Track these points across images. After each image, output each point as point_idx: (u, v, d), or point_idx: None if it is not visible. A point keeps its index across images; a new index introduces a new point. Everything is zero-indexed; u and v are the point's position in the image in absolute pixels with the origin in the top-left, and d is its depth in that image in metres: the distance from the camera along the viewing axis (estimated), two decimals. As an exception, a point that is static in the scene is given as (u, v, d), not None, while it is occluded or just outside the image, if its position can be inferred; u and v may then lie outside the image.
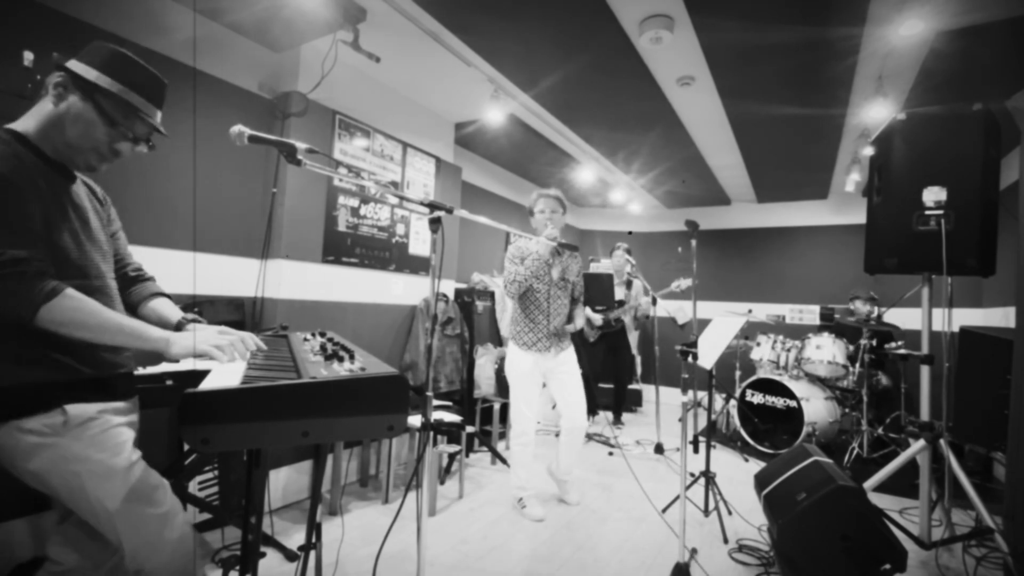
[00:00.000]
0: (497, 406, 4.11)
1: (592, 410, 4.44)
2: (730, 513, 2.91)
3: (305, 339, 1.64)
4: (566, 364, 2.92)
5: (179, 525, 1.17)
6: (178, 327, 1.33)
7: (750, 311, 4.27)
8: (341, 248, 3.22)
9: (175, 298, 2.51)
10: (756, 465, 3.88)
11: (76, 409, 1.11)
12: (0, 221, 1.02)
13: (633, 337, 6.18)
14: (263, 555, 1.68)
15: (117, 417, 1.17)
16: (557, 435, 4.61)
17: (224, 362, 1.20)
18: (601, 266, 5.12)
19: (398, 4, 2.57)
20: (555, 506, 3.07)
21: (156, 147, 1.31)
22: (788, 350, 4.67)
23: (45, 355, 1.09)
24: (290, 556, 2.29)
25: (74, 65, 1.16)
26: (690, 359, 2.25)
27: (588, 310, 3.01)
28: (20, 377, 1.07)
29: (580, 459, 3.03)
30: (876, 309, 4.63)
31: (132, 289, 1.41)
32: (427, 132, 3.95)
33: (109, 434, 1.14)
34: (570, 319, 3.00)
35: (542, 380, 2.91)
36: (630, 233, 6.68)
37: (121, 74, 1.19)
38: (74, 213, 1.20)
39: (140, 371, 1.88)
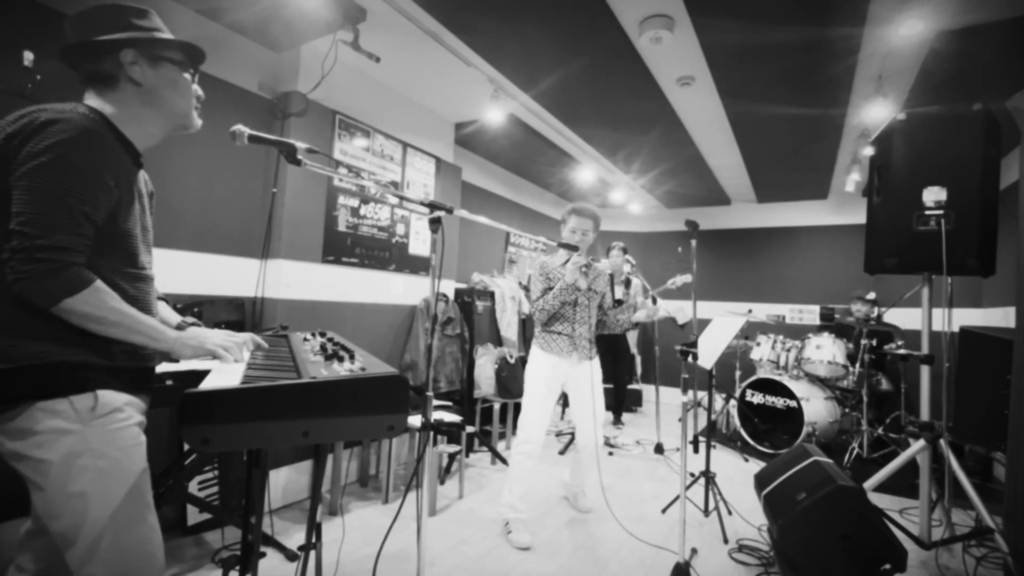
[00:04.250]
0: (497, 406, 4.11)
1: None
2: (730, 513, 2.91)
3: (305, 339, 1.64)
4: (588, 373, 2.74)
5: (158, 567, 1.12)
6: (177, 330, 1.33)
7: (750, 311, 4.27)
8: (341, 248, 3.22)
9: (175, 298, 2.51)
10: (756, 465, 3.88)
11: (107, 396, 1.07)
12: (64, 204, 1.01)
13: (632, 337, 6.18)
14: (263, 555, 1.68)
15: (138, 414, 1.15)
16: (558, 434, 4.64)
17: (229, 362, 1.20)
18: (601, 266, 5.12)
19: (398, 4, 2.57)
20: (555, 505, 3.08)
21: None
22: (788, 350, 4.67)
23: (79, 338, 1.06)
24: (290, 556, 2.29)
25: (130, 38, 1.15)
26: (690, 359, 2.26)
27: (642, 314, 2.88)
28: (61, 357, 1.04)
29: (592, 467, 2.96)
30: (876, 309, 4.63)
31: None
32: (427, 132, 3.95)
33: (130, 432, 1.11)
34: (602, 326, 2.88)
35: (560, 387, 2.75)
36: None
37: (148, 21, 1.20)
38: (138, 201, 1.20)
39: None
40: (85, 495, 1.03)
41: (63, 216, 1.01)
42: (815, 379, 4.51)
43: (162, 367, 1.94)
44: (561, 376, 2.71)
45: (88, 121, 1.06)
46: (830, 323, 4.92)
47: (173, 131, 1.24)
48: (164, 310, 1.43)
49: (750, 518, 2.85)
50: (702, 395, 4.96)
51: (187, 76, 1.23)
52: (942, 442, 2.35)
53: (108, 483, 1.05)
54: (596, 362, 2.81)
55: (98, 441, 1.06)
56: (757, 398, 4.45)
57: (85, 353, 1.07)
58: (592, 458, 2.82)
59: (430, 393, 1.52)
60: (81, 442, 1.04)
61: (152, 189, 1.34)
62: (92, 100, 1.15)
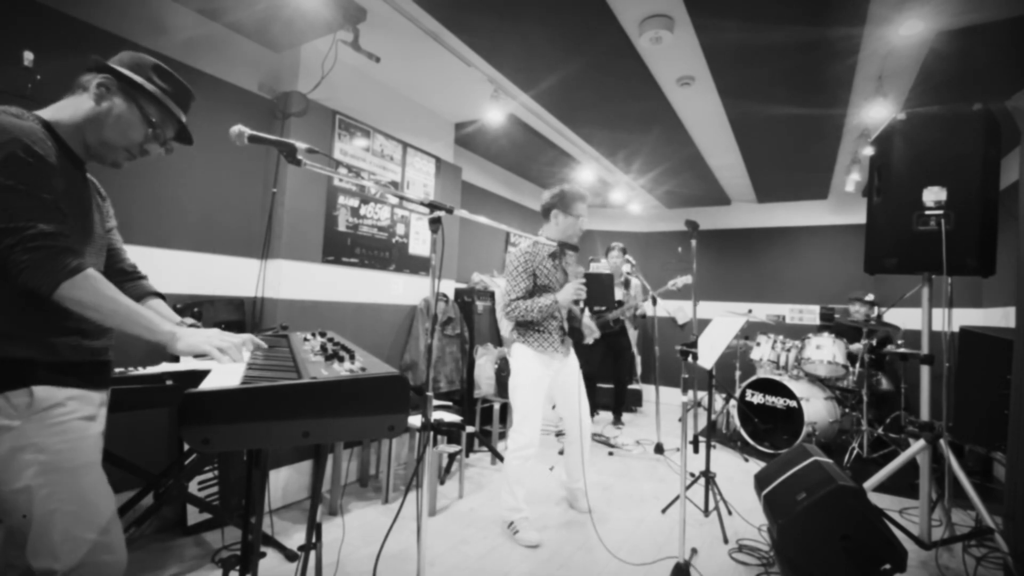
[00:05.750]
0: (497, 406, 4.11)
1: (592, 410, 4.44)
2: (730, 513, 2.91)
3: (305, 339, 1.64)
4: (571, 367, 2.78)
5: (118, 557, 1.13)
6: None
7: (750, 311, 4.26)
8: (341, 248, 3.22)
9: (175, 298, 2.51)
10: (756, 465, 3.88)
11: (44, 391, 1.08)
12: (33, 195, 1.04)
13: (633, 336, 6.19)
14: (263, 555, 1.68)
15: (85, 408, 1.15)
16: (557, 435, 4.63)
17: (226, 362, 1.20)
18: (601, 266, 5.12)
19: (398, 4, 2.57)
20: (554, 506, 3.08)
21: (173, 150, 1.36)
22: (788, 350, 4.67)
23: (20, 332, 1.07)
24: (290, 556, 2.29)
25: (118, 68, 1.21)
26: (690, 359, 2.26)
27: (586, 318, 2.82)
28: None
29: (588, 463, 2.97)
30: (876, 309, 4.64)
31: (128, 285, 1.41)
32: (427, 132, 3.95)
33: (74, 425, 1.11)
34: (573, 322, 2.86)
35: (548, 386, 2.74)
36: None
37: (162, 81, 1.27)
38: (80, 205, 1.22)
39: (140, 371, 1.89)
40: (30, 490, 1.04)
41: (38, 207, 1.04)
42: (815, 379, 4.50)
43: (162, 367, 1.94)
44: (551, 373, 2.72)
45: (24, 121, 1.09)
46: (830, 323, 4.92)
47: (97, 158, 1.26)
48: (162, 309, 1.43)
49: (750, 518, 2.85)
50: (702, 395, 4.96)
51: (144, 129, 1.25)
52: (942, 442, 2.35)
53: (53, 477, 1.06)
54: (573, 352, 2.85)
55: (39, 436, 1.06)
56: (757, 398, 4.45)
57: (22, 349, 1.08)
58: (586, 447, 2.86)
59: (430, 393, 1.52)
60: (22, 437, 1.05)
61: (104, 192, 1.38)
62: (55, 107, 1.20)
